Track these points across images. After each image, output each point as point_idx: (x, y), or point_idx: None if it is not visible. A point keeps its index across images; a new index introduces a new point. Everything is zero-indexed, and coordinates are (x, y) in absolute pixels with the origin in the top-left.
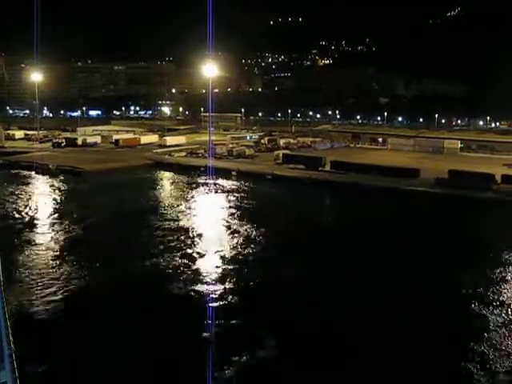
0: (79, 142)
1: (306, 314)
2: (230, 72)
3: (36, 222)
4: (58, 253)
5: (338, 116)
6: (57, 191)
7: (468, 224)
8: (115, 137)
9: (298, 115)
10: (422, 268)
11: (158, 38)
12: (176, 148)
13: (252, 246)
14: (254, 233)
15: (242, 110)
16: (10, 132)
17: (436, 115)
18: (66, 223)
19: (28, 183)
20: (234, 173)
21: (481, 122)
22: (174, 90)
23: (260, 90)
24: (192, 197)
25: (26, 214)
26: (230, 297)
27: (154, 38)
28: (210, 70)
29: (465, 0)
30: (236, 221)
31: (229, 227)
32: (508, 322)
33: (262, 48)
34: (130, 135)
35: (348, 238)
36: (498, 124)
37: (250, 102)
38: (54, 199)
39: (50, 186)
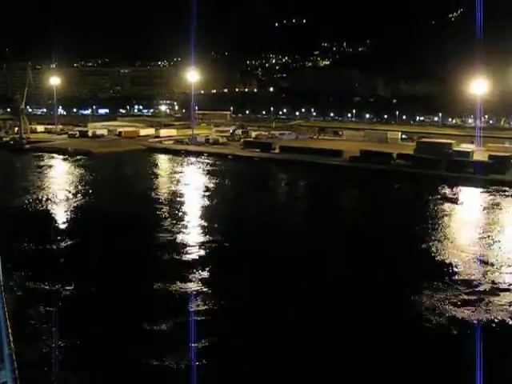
0: (90, 133)
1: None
2: (226, 73)
3: (59, 177)
4: (75, 189)
5: (315, 113)
6: (73, 164)
7: (360, 182)
8: (119, 129)
9: (280, 112)
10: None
11: (160, 41)
12: (167, 138)
13: (210, 186)
14: (211, 181)
15: (231, 108)
16: (33, 126)
17: (397, 112)
18: (80, 178)
19: (52, 159)
20: (205, 154)
21: (436, 118)
22: (175, 90)
23: (255, 90)
24: (172, 166)
25: (54, 173)
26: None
27: (156, 41)
28: (193, 75)
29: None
30: (200, 176)
31: (196, 178)
32: None
33: (265, 49)
34: (132, 128)
35: (274, 183)
36: (451, 120)
37: (241, 101)
38: (72, 168)
39: (69, 162)
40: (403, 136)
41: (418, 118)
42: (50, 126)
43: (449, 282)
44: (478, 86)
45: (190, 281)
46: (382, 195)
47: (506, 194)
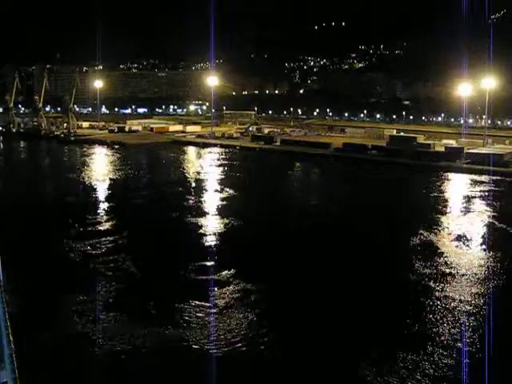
0: (126, 129)
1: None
2: (259, 75)
3: (96, 160)
4: (108, 167)
5: (331, 113)
6: (111, 152)
7: (335, 165)
8: (151, 125)
9: (300, 112)
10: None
11: (196, 46)
12: (191, 133)
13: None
14: (220, 163)
15: (255, 108)
16: (79, 123)
17: (403, 112)
18: (113, 161)
19: (95, 150)
20: (219, 145)
21: (439, 118)
22: (206, 92)
23: (285, 92)
24: (189, 153)
25: (93, 158)
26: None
27: (192, 46)
28: (212, 80)
29: None
30: (211, 160)
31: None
32: None
33: (304, 52)
34: (162, 125)
35: (268, 163)
36: (452, 119)
37: (268, 102)
38: (110, 156)
39: (106, 150)
40: (401, 133)
41: (423, 118)
42: (93, 123)
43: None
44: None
45: (219, 214)
46: (346, 173)
47: (449, 177)
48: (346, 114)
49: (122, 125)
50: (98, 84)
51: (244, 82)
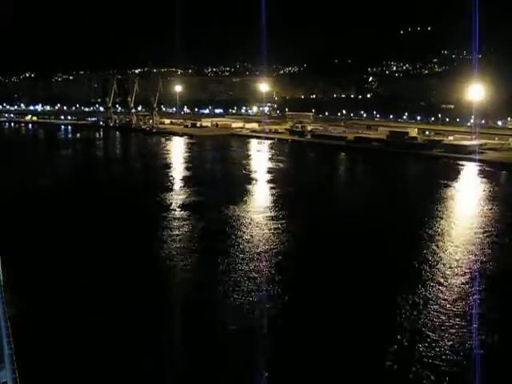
0: (198, 125)
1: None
2: (328, 80)
3: (172, 145)
4: (181, 150)
5: (378, 115)
6: (181, 141)
7: (344, 152)
8: (216, 122)
9: (352, 114)
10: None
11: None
12: (249, 129)
13: (260, 149)
14: (261, 148)
15: (313, 110)
16: (162, 119)
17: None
18: (184, 146)
19: (171, 139)
20: (263, 137)
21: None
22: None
23: (352, 95)
24: (240, 141)
25: (170, 144)
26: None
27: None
28: (264, 87)
29: None
30: (255, 146)
31: (252, 147)
32: None
33: (388, 57)
34: (226, 122)
35: (294, 149)
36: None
37: (329, 105)
38: (180, 142)
39: (179, 139)
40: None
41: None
42: (174, 120)
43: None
44: None
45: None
46: (349, 159)
47: (420, 161)
48: (391, 116)
49: (195, 121)
50: (178, 88)
51: (312, 86)
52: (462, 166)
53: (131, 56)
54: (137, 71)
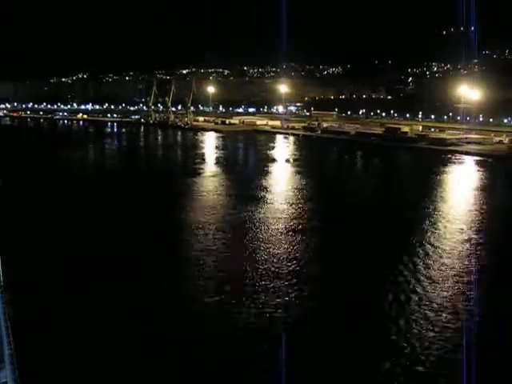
0: (227, 122)
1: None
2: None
3: (203, 139)
4: (211, 142)
5: (396, 114)
6: (211, 135)
7: (348, 145)
8: (243, 119)
9: (372, 113)
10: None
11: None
12: (271, 126)
13: (277, 141)
14: (278, 139)
15: (336, 109)
16: (196, 117)
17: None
18: (213, 139)
19: (202, 134)
20: (281, 132)
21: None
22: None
23: (381, 96)
24: (261, 136)
25: (201, 138)
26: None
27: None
28: (283, 87)
29: None
30: (274, 139)
31: (270, 139)
32: None
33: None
34: (251, 119)
35: (305, 142)
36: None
37: (353, 104)
38: (210, 135)
39: (210, 133)
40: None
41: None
42: (207, 118)
43: None
44: None
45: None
46: (351, 150)
47: (406, 153)
48: (408, 115)
49: (225, 119)
50: (211, 89)
51: (342, 87)
52: (439, 155)
53: (172, 59)
54: (177, 73)
